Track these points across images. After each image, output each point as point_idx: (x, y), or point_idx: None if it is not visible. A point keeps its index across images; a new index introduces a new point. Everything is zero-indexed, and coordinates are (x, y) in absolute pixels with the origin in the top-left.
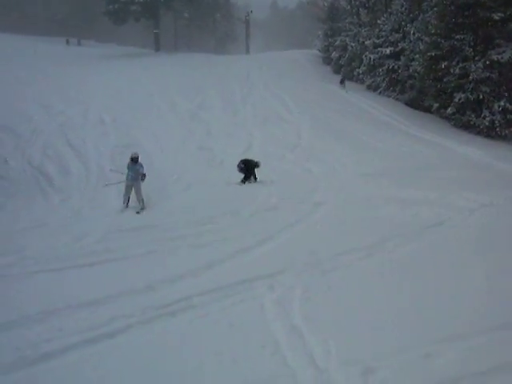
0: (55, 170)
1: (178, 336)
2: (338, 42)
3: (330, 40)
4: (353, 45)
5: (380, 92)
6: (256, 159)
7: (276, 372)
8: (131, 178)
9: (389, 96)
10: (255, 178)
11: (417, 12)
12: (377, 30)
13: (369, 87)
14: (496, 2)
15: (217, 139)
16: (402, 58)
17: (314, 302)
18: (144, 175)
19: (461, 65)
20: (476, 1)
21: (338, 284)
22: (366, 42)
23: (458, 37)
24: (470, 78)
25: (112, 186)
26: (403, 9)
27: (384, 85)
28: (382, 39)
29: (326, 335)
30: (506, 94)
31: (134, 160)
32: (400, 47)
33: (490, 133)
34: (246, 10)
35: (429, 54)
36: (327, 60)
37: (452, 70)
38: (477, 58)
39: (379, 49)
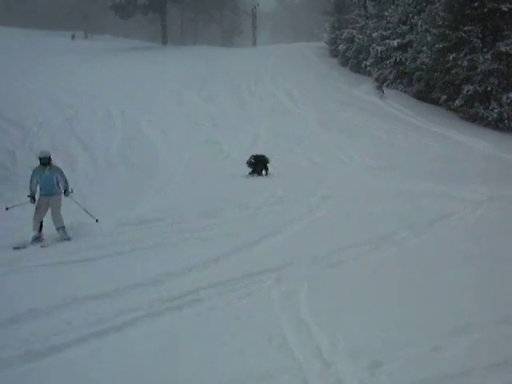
0: (63, 163)
1: (185, 329)
2: (345, 35)
3: (337, 32)
4: (360, 37)
5: (387, 84)
6: (267, 155)
7: (283, 364)
8: (45, 192)
9: (396, 88)
10: (266, 172)
11: (424, 4)
12: (384, 22)
13: (376, 79)
14: None
15: (224, 132)
16: (409, 50)
17: (321, 295)
18: (67, 189)
19: (469, 57)
20: None
21: (346, 277)
22: (373, 34)
23: (465, 28)
24: (478, 69)
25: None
26: (410, 0)
27: (391, 77)
28: (390, 31)
29: (333, 328)
30: None
31: (44, 162)
32: (407, 39)
33: (498, 125)
34: (253, 2)
35: (436, 45)
36: (334, 52)
37: (460, 62)
38: (485, 50)
39: (386, 41)
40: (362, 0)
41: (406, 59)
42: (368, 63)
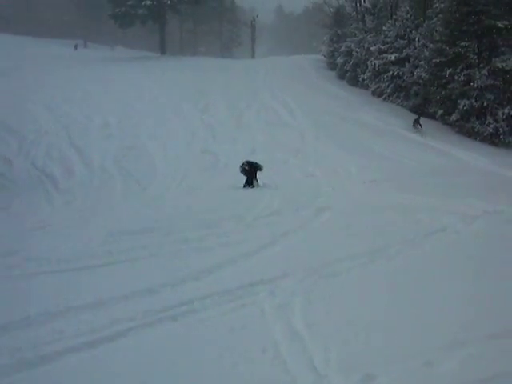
0: (59, 171)
1: (179, 340)
2: (343, 48)
3: (335, 45)
4: (358, 50)
5: (385, 98)
6: (260, 163)
7: (276, 377)
8: None
9: (393, 102)
10: (257, 182)
11: (422, 19)
12: (382, 36)
13: (373, 93)
14: (501, 10)
15: (221, 143)
16: (406, 64)
17: (315, 307)
18: None
19: (465, 72)
20: (481, 9)
21: (340, 290)
22: (371, 48)
23: (462, 44)
24: (475, 85)
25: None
26: (408, 15)
27: (389, 91)
28: (387, 45)
29: (326, 341)
30: (511, 102)
31: None
32: (405, 53)
33: (493, 140)
34: (252, 14)
35: (433, 60)
36: (332, 65)
37: (456, 77)
38: (481, 66)
39: (384, 55)
40: (360, 14)
41: (403, 73)
42: (365, 77)
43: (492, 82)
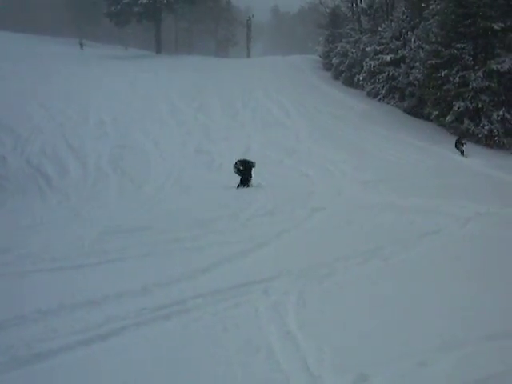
0: (54, 169)
1: (172, 339)
2: (338, 48)
3: (330, 46)
4: (353, 51)
5: (380, 99)
6: (252, 160)
7: (269, 377)
8: None
9: (388, 103)
10: (251, 178)
11: (418, 20)
12: (378, 36)
13: (368, 94)
14: (496, 12)
15: (215, 142)
16: (402, 65)
17: (308, 307)
18: None
19: (460, 73)
20: (477, 11)
21: (334, 290)
22: (366, 49)
23: (458, 46)
24: (470, 86)
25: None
26: (404, 16)
27: (384, 92)
28: (383, 46)
29: (320, 341)
30: (506, 104)
31: None
32: (400, 54)
33: (488, 142)
34: (248, 13)
35: (429, 62)
36: (327, 66)
37: (452, 79)
38: (477, 67)
39: (380, 56)
40: (356, 14)
41: (398, 74)
42: (361, 77)
43: (487, 83)
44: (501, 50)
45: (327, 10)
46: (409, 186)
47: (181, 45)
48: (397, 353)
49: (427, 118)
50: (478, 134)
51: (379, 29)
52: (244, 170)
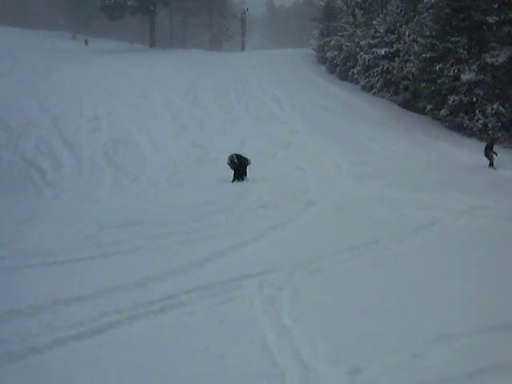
0: (48, 163)
1: (167, 332)
2: (333, 42)
3: (325, 39)
4: (348, 45)
5: (374, 92)
6: (249, 156)
7: (264, 369)
8: None
9: (383, 97)
10: (245, 175)
11: (412, 13)
12: (372, 30)
13: (363, 87)
14: (491, 6)
15: (210, 136)
16: (396, 59)
17: (303, 301)
18: None
19: (455, 67)
20: (471, 4)
21: (328, 284)
22: (361, 43)
23: (452, 39)
24: (464, 80)
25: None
26: (399, 10)
27: (378, 85)
28: (377, 40)
29: (314, 334)
30: (500, 97)
31: None
32: (395, 48)
33: (482, 135)
34: (242, 7)
35: (423, 55)
36: (322, 59)
37: (446, 72)
38: (471, 61)
39: (374, 49)
40: (350, 8)
41: (393, 68)
42: (355, 71)
43: (481, 77)
44: (495, 43)
45: (321, 4)
46: (404, 179)
47: (175, 38)
48: (392, 345)
49: (422, 111)
50: (472, 128)
51: (374, 22)
52: (238, 164)
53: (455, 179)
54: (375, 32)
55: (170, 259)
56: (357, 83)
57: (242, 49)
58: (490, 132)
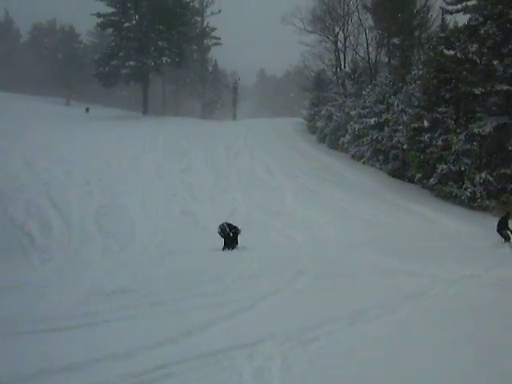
0: (38, 228)
1: None
2: (323, 112)
3: (315, 109)
4: (338, 114)
5: (364, 161)
6: (239, 225)
7: None
8: None
9: (372, 166)
10: (236, 244)
11: (400, 84)
12: (362, 100)
13: (353, 156)
14: (476, 77)
15: (201, 204)
16: (386, 128)
17: (293, 373)
18: None
19: (443, 137)
20: (457, 76)
21: (319, 355)
22: (351, 112)
23: (440, 109)
24: (452, 149)
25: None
26: (387, 81)
27: (368, 154)
28: (367, 110)
29: None
30: (488, 166)
31: None
32: (384, 118)
33: (471, 204)
34: (234, 77)
35: (412, 125)
36: (312, 128)
37: (434, 142)
38: (459, 131)
39: (364, 119)
40: (340, 78)
41: (382, 137)
42: (345, 140)
43: (469, 146)
44: (482, 113)
45: (312, 74)
46: (393, 248)
47: (168, 105)
48: None
49: (411, 180)
50: (461, 197)
51: (363, 93)
52: (229, 233)
53: (444, 247)
54: (365, 102)
55: (159, 329)
56: (347, 152)
57: (234, 117)
58: (479, 201)
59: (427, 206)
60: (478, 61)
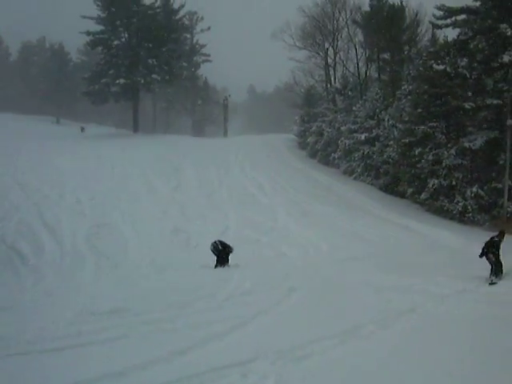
0: (29, 248)
1: None
2: (314, 128)
3: (306, 125)
4: (329, 130)
5: (355, 177)
6: (231, 242)
7: None
8: None
9: (364, 181)
10: (228, 262)
11: (391, 100)
12: (352, 116)
13: (344, 172)
14: (467, 92)
15: (192, 221)
16: (376, 143)
17: None
18: None
19: (434, 151)
20: (447, 91)
21: (312, 372)
22: (341, 128)
23: (430, 124)
24: (443, 164)
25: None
26: (378, 96)
27: (359, 170)
28: (358, 125)
29: None
30: (478, 180)
31: None
32: (375, 133)
33: (462, 218)
34: (224, 93)
35: (403, 140)
36: (303, 145)
37: (425, 157)
38: (449, 145)
39: (354, 134)
40: (330, 94)
41: (373, 153)
42: (336, 156)
43: (460, 161)
44: (472, 127)
45: (302, 90)
46: (385, 263)
47: (158, 123)
48: None
49: (402, 195)
50: (452, 211)
51: (354, 108)
52: (222, 250)
53: (437, 262)
54: (355, 117)
55: (151, 348)
56: (338, 168)
57: (225, 134)
58: (470, 215)
59: (419, 220)
60: (468, 75)
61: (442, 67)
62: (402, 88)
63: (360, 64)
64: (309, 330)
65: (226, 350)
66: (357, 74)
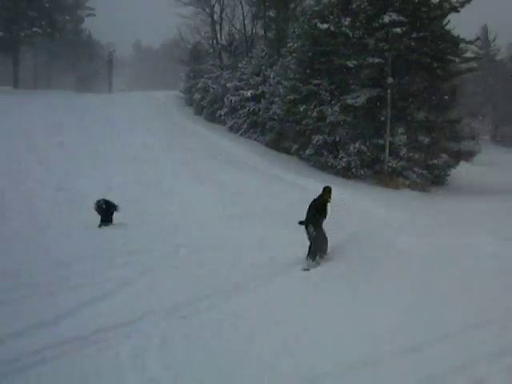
0: None
1: None
2: (200, 84)
3: (192, 82)
4: (215, 87)
5: (242, 133)
6: (117, 201)
7: None
8: None
9: (250, 137)
10: (111, 221)
11: (276, 57)
12: (238, 73)
13: (230, 128)
14: (350, 51)
15: (76, 180)
16: (262, 100)
17: (172, 350)
18: None
19: (318, 108)
20: (332, 49)
21: (197, 330)
22: (227, 85)
23: (315, 82)
24: (327, 120)
25: None
26: (263, 54)
27: (245, 126)
28: (243, 82)
29: None
30: (361, 137)
31: None
32: (260, 90)
33: (346, 173)
34: (109, 49)
35: (288, 97)
36: (190, 101)
37: (310, 113)
38: (333, 102)
39: (240, 91)
40: (217, 51)
41: (259, 109)
42: (223, 112)
43: (343, 117)
44: (355, 85)
45: (188, 47)
46: (272, 219)
47: (40, 79)
48: None
49: (288, 151)
50: (336, 166)
51: (239, 65)
52: (106, 209)
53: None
54: (241, 74)
55: (32, 312)
56: (224, 124)
57: (110, 90)
58: (353, 170)
59: (305, 176)
60: (351, 34)
61: (326, 26)
62: (288, 46)
63: (246, 21)
64: (195, 288)
65: (111, 310)
66: (243, 31)
